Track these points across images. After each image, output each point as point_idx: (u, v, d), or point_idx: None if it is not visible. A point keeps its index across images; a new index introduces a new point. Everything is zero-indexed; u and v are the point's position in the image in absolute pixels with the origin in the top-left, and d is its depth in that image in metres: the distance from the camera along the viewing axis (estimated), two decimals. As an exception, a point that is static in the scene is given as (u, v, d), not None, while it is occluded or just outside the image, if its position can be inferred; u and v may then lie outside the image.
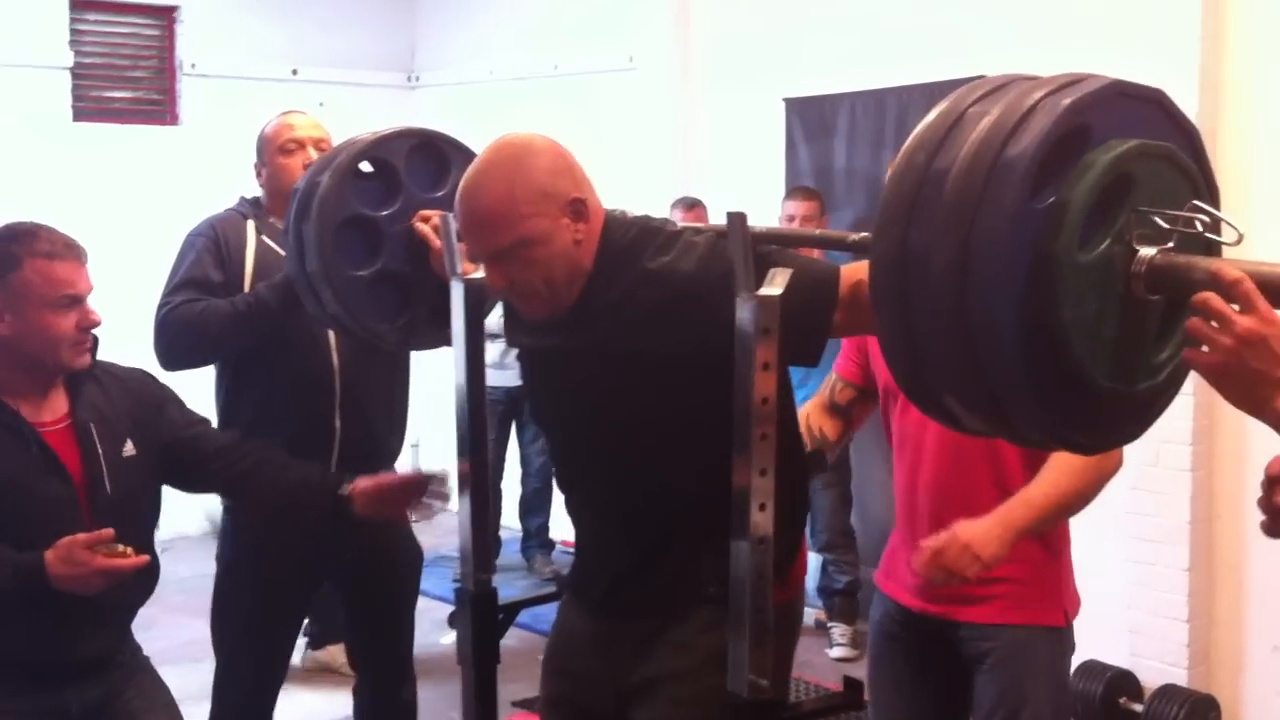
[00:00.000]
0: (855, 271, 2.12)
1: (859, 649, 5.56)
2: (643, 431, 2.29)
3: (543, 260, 2.22)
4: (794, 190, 5.74)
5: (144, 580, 2.74)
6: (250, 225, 3.36)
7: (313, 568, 3.42)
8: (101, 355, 2.82)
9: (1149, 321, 1.64)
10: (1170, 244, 1.59)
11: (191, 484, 3.09)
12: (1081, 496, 2.65)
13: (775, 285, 2.06)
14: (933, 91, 5.16)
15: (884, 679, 2.93)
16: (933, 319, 1.62)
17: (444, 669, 4.25)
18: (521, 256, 2.22)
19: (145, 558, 2.61)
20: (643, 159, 6.73)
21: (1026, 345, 1.58)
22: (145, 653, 2.91)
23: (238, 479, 2.99)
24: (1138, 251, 1.59)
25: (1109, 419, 1.72)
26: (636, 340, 2.23)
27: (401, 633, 3.57)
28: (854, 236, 2.08)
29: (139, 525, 2.73)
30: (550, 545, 6.79)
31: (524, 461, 6.71)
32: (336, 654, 5.24)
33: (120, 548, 2.54)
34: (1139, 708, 4.63)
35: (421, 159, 2.94)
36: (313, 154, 3.27)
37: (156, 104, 7.63)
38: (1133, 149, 1.58)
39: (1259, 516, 1.72)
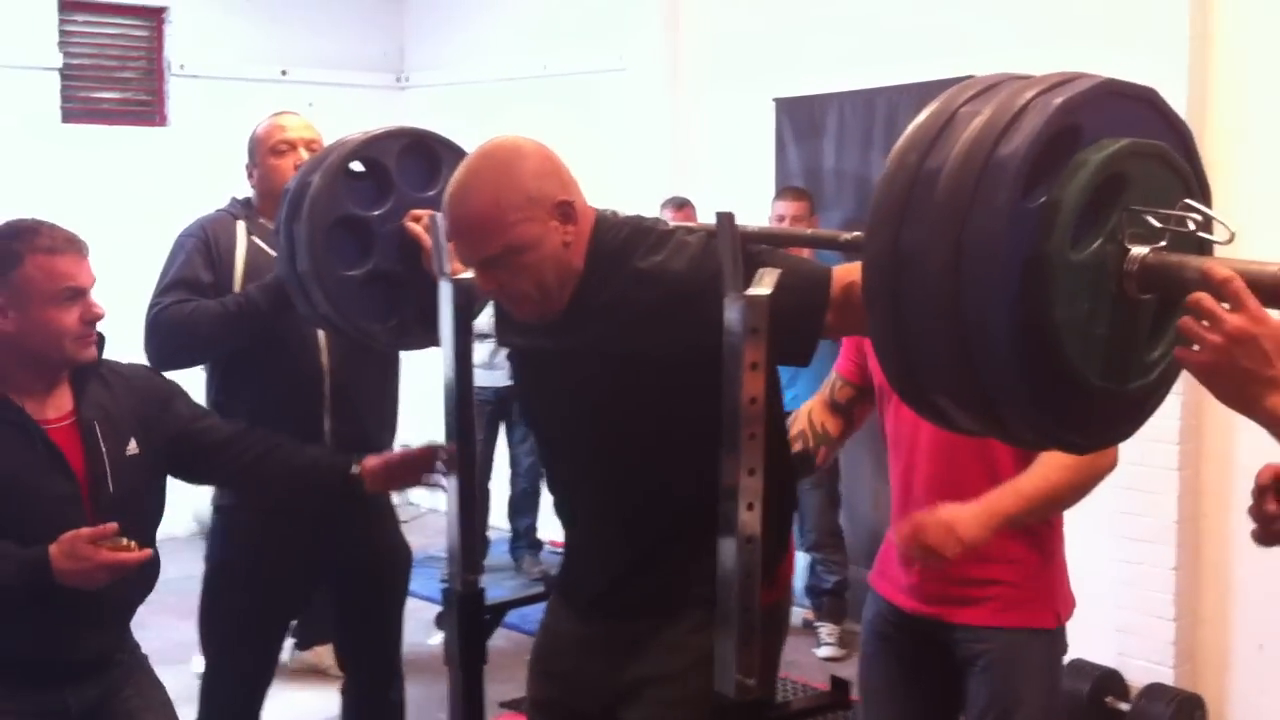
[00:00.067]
0: (847, 272, 2.12)
1: (847, 649, 5.57)
2: (634, 433, 2.28)
3: (533, 265, 2.22)
4: (784, 190, 5.74)
5: (145, 577, 2.74)
6: (241, 226, 3.36)
7: (303, 569, 3.41)
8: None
9: (1141, 321, 1.64)
10: (1162, 243, 1.60)
11: (201, 476, 3.11)
12: (1072, 491, 2.65)
13: (764, 285, 2.06)
14: (922, 92, 5.17)
15: (876, 679, 2.93)
16: (925, 319, 1.62)
17: (432, 669, 4.25)
18: (511, 262, 2.21)
19: (148, 552, 2.62)
20: (633, 159, 6.72)
21: (1019, 345, 1.58)
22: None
23: (248, 467, 3.00)
24: (1130, 250, 1.59)
25: (1101, 418, 1.72)
26: (628, 341, 2.23)
27: (390, 633, 3.57)
28: (846, 236, 2.08)
29: (141, 523, 2.73)
30: (538, 546, 6.79)
31: (512, 462, 6.70)
32: (324, 654, 5.24)
33: (124, 542, 2.54)
34: (1125, 706, 4.65)
35: (413, 158, 2.95)
36: (304, 155, 3.27)
37: (145, 105, 7.61)
38: (1125, 148, 1.59)
39: (1246, 515, 1.73)
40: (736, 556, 2.09)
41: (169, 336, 3.18)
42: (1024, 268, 1.56)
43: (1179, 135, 1.70)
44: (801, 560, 5.66)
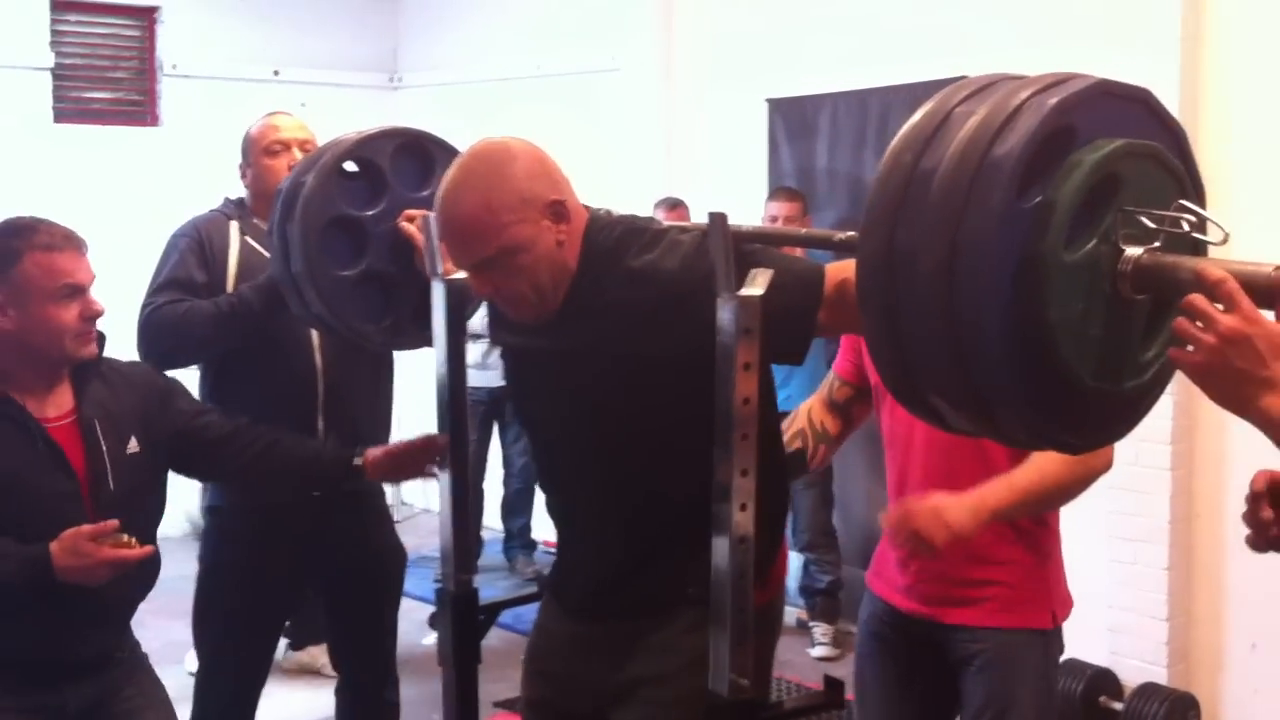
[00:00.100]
0: (840, 270, 2.12)
1: (840, 648, 5.57)
2: (628, 434, 2.28)
3: (527, 266, 2.21)
4: (777, 191, 5.75)
5: (145, 575, 2.74)
6: (234, 226, 3.36)
7: (296, 570, 3.41)
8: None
9: (1135, 321, 1.65)
10: (1157, 243, 1.60)
11: (204, 472, 3.12)
12: (1064, 488, 2.65)
13: (756, 285, 2.05)
14: (915, 92, 5.17)
15: (871, 678, 2.93)
16: (919, 319, 1.62)
17: (426, 669, 4.24)
18: (506, 264, 2.21)
19: (150, 548, 2.63)
20: (626, 160, 6.73)
21: (1013, 345, 1.58)
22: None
23: (252, 461, 2.99)
24: (1124, 251, 1.59)
25: (1096, 418, 1.72)
26: (623, 342, 2.22)
27: (385, 634, 3.57)
28: (840, 236, 2.08)
29: (142, 521, 2.73)
30: (532, 546, 6.79)
31: (506, 462, 6.71)
32: (318, 654, 5.24)
33: (125, 539, 2.55)
34: (1119, 706, 4.65)
35: (407, 158, 2.94)
36: (298, 155, 3.27)
37: (137, 105, 7.60)
38: (1119, 149, 1.59)
39: (1238, 516, 1.73)
40: (730, 556, 2.09)
41: (162, 337, 3.17)
42: (1018, 268, 1.56)
43: (1173, 136, 1.71)
44: (795, 560, 5.67)
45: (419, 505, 7.93)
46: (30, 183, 6.43)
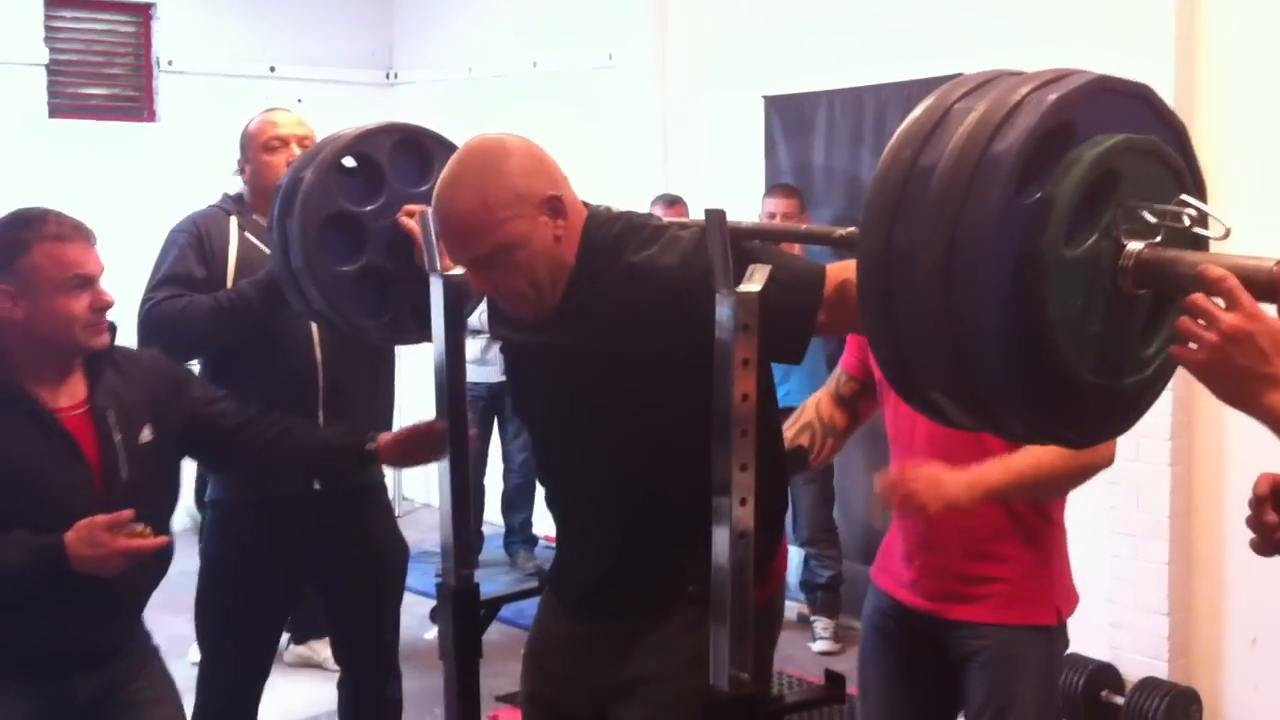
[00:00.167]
0: (841, 270, 2.11)
1: (841, 643, 5.58)
2: (627, 431, 2.27)
3: (525, 262, 2.21)
4: (774, 188, 5.74)
5: (157, 565, 2.74)
6: (233, 222, 3.36)
7: (298, 564, 3.42)
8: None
9: (1135, 316, 1.65)
10: (1157, 238, 1.60)
11: (218, 460, 3.13)
12: (1061, 476, 2.64)
13: (754, 282, 2.05)
14: (912, 90, 5.18)
15: (874, 673, 2.94)
16: (918, 315, 1.62)
17: (427, 663, 4.25)
18: (503, 261, 2.20)
19: (165, 538, 2.63)
20: (623, 156, 6.72)
21: (1012, 342, 1.58)
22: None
23: (265, 448, 3.00)
24: (1125, 246, 1.59)
25: (1095, 414, 1.72)
26: (622, 339, 2.22)
27: (387, 629, 3.57)
28: (839, 232, 2.07)
29: (156, 510, 2.74)
30: (533, 541, 6.79)
31: (506, 457, 6.71)
32: (319, 648, 5.25)
33: (139, 528, 2.55)
34: (1120, 700, 4.66)
35: (405, 154, 2.94)
36: (296, 151, 3.27)
37: (133, 101, 7.59)
38: (1119, 144, 1.59)
39: (1238, 510, 1.73)
40: (730, 552, 2.09)
41: (161, 332, 3.17)
42: (1017, 265, 1.56)
43: (1174, 131, 1.70)
44: (796, 555, 5.67)
45: (420, 500, 7.94)
46: (25, 178, 6.41)
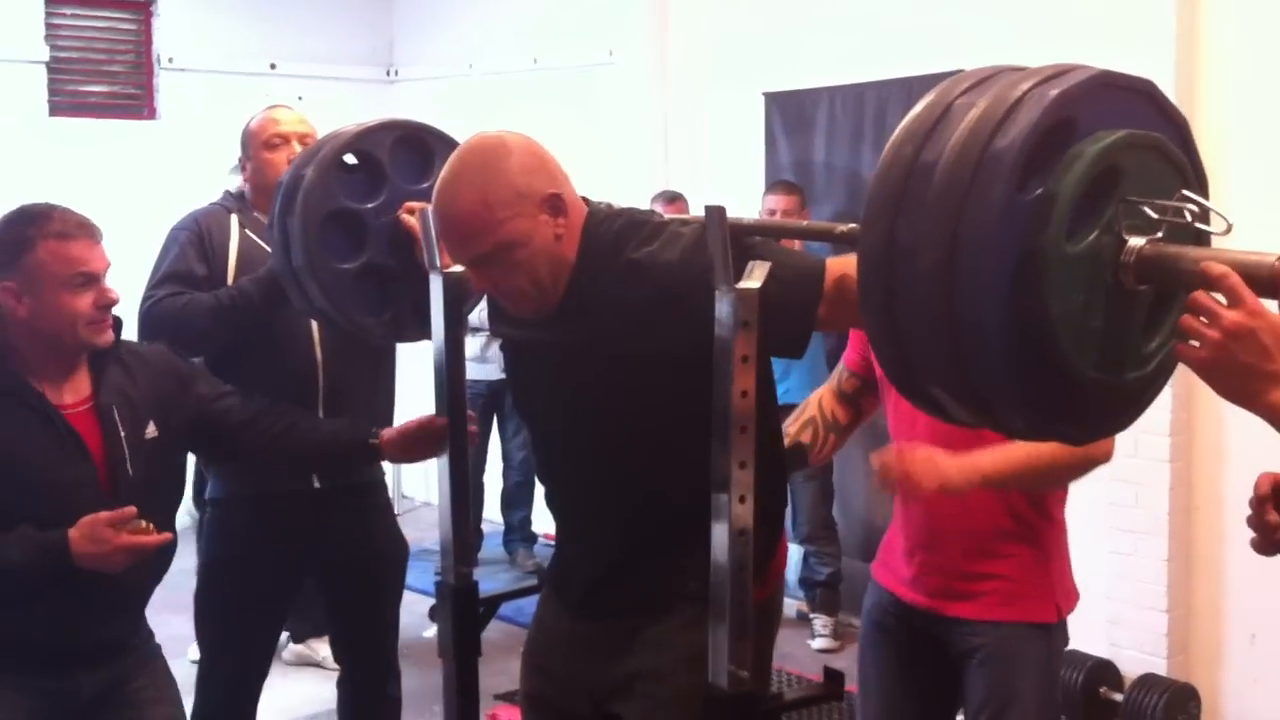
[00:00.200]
0: (841, 265, 2.11)
1: (840, 640, 5.59)
2: (628, 430, 2.27)
3: (525, 261, 2.20)
4: (775, 184, 5.74)
5: (161, 561, 2.75)
6: (234, 219, 3.36)
7: (295, 563, 3.42)
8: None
9: (1137, 312, 1.64)
10: (1159, 234, 1.60)
11: (226, 455, 3.15)
12: (1058, 467, 2.62)
13: (754, 278, 2.04)
14: (912, 86, 5.18)
15: (873, 669, 2.93)
16: (920, 312, 1.62)
17: (427, 661, 4.25)
18: (504, 259, 2.20)
19: (168, 535, 2.64)
20: (623, 153, 6.72)
21: (1014, 337, 1.58)
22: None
23: (274, 442, 3.00)
24: (1126, 242, 1.59)
25: (1097, 410, 1.71)
26: (622, 341, 2.21)
27: (386, 628, 3.57)
28: (840, 228, 2.07)
29: (160, 506, 2.74)
30: (532, 539, 6.79)
31: (505, 455, 6.71)
32: (318, 646, 5.26)
33: (143, 524, 2.56)
34: (1119, 697, 4.66)
35: (406, 151, 2.94)
36: (297, 149, 3.27)
37: (134, 99, 7.59)
38: (1121, 140, 1.58)
39: (1238, 507, 1.73)
40: (729, 549, 2.08)
41: (162, 330, 3.17)
42: (1019, 261, 1.56)
43: (1176, 127, 1.70)
44: (795, 553, 5.67)
45: (419, 498, 7.93)
46: (26, 177, 6.40)
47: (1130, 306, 1.63)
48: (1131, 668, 4.77)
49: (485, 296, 2.48)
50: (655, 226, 2.25)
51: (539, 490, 2.60)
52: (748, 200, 5.54)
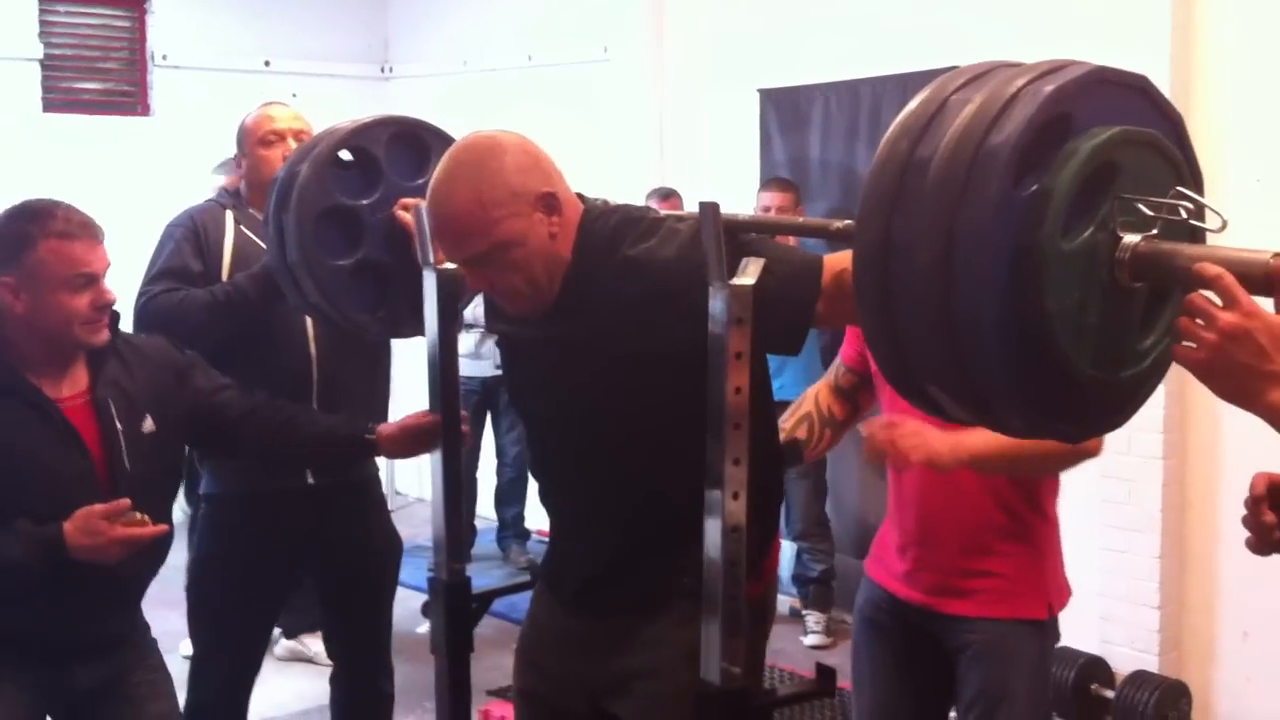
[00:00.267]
0: (838, 261, 2.10)
1: (833, 637, 5.59)
2: (623, 428, 2.26)
3: (521, 260, 2.20)
4: (770, 181, 5.74)
5: (157, 552, 2.75)
6: (229, 216, 3.36)
7: (289, 559, 3.42)
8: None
9: (1133, 309, 1.64)
10: (1154, 231, 1.59)
11: (223, 449, 3.14)
12: (1047, 455, 2.61)
13: (748, 274, 2.04)
14: (907, 82, 5.18)
15: (867, 665, 2.93)
16: (915, 308, 1.62)
17: (419, 657, 4.25)
18: (499, 259, 2.19)
19: (164, 526, 2.64)
20: (618, 150, 6.72)
21: (1010, 334, 1.58)
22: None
23: (272, 435, 3.00)
24: (1122, 239, 1.59)
25: (1092, 407, 1.71)
26: (619, 339, 2.21)
27: (380, 624, 3.57)
28: (836, 224, 2.06)
29: (157, 499, 2.74)
30: (526, 535, 6.79)
31: (499, 451, 6.71)
32: (310, 642, 5.25)
33: (137, 516, 2.56)
34: (1110, 694, 4.67)
35: (401, 147, 2.94)
36: (293, 145, 3.27)
37: (128, 95, 7.58)
38: (1116, 136, 1.58)
39: (1231, 504, 1.73)
40: (722, 546, 2.08)
41: (157, 326, 3.17)
42: (1015, 257, 1.56)
43: (1171, 123, 1.70)
44: (788, 549, 5.68)
45: (413, 494, 7.94)
46: (19, 173, 6.40)
47: (1126, 303, 1.63)
48: (1123, 664, 4.77)
49: (481, 293, 2.48)
50: (651, 223, 2.25)
51: (532, 486, 2.60)
52: (743, 197, 5.54)
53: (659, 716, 2.30)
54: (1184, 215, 1.61)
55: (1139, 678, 4.65)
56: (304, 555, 3.42)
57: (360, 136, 2.89)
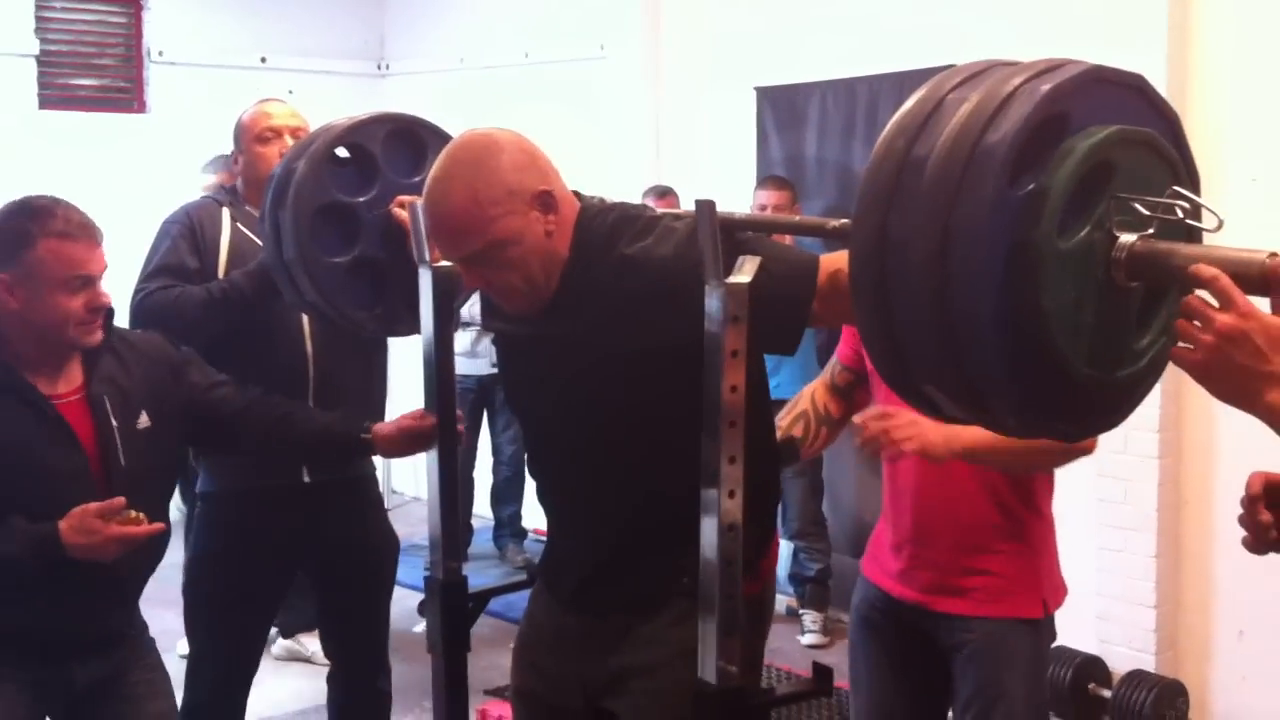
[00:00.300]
0: (834, 260, 2.10)
1: (830, 636, 5.60)
2: (620, 425, 2.26)
3: (517, 258, 2.20)
4: (766, 180, 5.74)
5: (154, 549, 2.75)
6: (225, 213, 3.36)
7: (285, 558, 3.41)
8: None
9: (1129, 308, 1.64)
10: (1150, 230, 1.59)
11: (220, 446, 3.14)
12: (1041, 451, 2.61)
13: (744, 272, 2.04)
14: (904, 81, 5.18)
15: (863, 664, 2.94)
16: (912, 306, 1.62)
17: (416, 656, 4.25)
18: (496, 257, 2.19)
19: (160, 525, 2.63)
20: (614, 147, 6.72)
21: (1006, 333, 1.57)
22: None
23: (268, 432, 2.99)
24: (1118, 238, 1.59)
25: (1088, 406, 1.71)
26: (616, 337, 2.21)
27: (377, 623, 3.57)
28: (833, 223, 2.06)
29: (153, 496, 2.74)
30: (522, 534, 6.79)
31: (495, 450, 6.70)
32: (307, 642, 5.25)
33: (133, 514, 2.56)
34: (1107, 693, 4.67)
35: (398, 144, 2.94)
36: (289, 142, 3.27)
37: (124, 92, 7.57)
38: (1112, 135, 1.58)
39: (1227, 503, 1.73)
40: (718, 544, 2.08)
41: (154, 322, 3.16)
42: (1011, 255, 1.55)
43: (1168, 122, 1.70)
44: (785, 548, 5.68)
45: (409, 493, 7.93)
46: (15, 170, 6.39)
47: (1122, 303, 1.63)
48: (1120, 663, 4.78)
49: (478, 291, 2.48)
50: (648, 221, 2.25)
51: (529, 485, 2.60)
52: (739, 195, 5.54)
53: (656, 715, 2.30)
54: (1180, 215, 1.61)
55: (1136, 677, 4.66)
56: (301, 554, 3.42)
57: (357, 133, 2.89)
